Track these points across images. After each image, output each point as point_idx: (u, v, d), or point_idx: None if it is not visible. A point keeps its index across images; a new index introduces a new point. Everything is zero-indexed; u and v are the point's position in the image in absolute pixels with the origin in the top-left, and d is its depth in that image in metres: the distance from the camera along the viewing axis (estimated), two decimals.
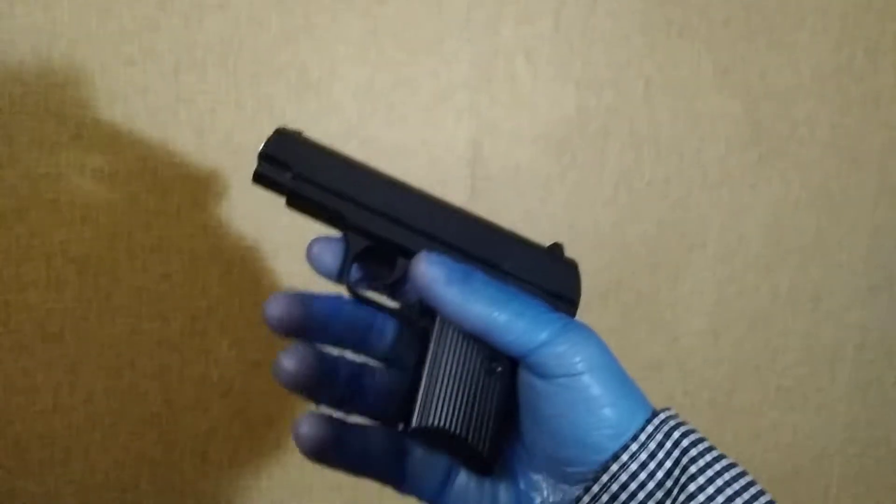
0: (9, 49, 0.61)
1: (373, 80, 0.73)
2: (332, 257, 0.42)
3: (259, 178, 0.42)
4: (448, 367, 0.39)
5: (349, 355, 0.44)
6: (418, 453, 0.43)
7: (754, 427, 1.06)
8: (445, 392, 0.38)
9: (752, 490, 0.36)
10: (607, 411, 0.36)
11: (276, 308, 0.41)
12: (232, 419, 0.74)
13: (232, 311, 0.72)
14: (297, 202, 0.42)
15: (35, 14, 0.62)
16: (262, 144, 0.42)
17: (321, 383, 0.40)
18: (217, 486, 0.75)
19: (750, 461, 1.05)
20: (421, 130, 0.76)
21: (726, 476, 0.36)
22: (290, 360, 0.40)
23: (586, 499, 0.36)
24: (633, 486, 0.35)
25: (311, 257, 0.43)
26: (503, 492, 0.40)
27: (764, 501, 0.35)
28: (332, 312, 0.42)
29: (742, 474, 0.36)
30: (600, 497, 0.35)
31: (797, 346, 1.05)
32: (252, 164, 0.69)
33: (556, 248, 0.43)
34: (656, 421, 0.37)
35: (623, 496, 0.35)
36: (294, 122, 0.70)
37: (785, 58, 0.94)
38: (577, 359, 0.36)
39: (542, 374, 0.37)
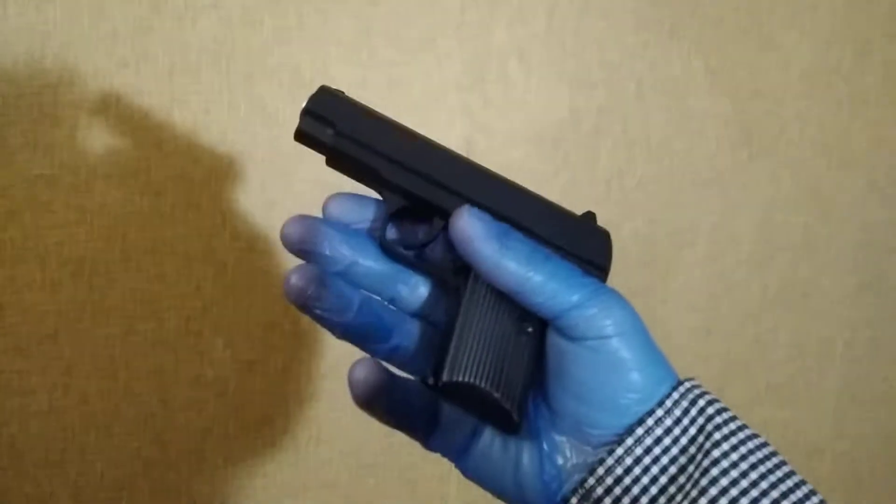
0: (2, 50, 0.61)
1: (365, 81, 0.74)
2: (349, 215, 0.42)
3: (301, 134, 0.42)
4: (479, 325, 0.39)
5: None
6: (447, 410, 0.43)
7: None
8: (476, 349, 0.39)
9: (775, 459, 0.36)
10: (635, 375, 0.37)
11: (295, 228, 0.42)
12: (227, 419, 0.74)
13: (226, 312, 0.72)
14: (338, 160, 0.42)
15: (28, 15, 0.62)
16: (307, 100, 0.42)
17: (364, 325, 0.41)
18: (213, 486, 0.75)
19: None
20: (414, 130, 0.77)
21: (750, 445, 0.36)
22: (304, 279, 0.41)
23: (610, 461, 0.36)
24: (657, 450, 0.36)
25: (327, 214, 0.43)
26: (526, 453, 0.40)
27: (786, 471, 0.36)
28: (360, 248, 0.42)
29: (765, 444, 0.37)
30: (624, 459, 0.36)
31: (787, 343, 1.06)
32: (246, 165, 0.70)
33: (589, 217, 0.43)
34: (682, 388, 0.38)
35: (647, 459, 0.36)
36: (287, 124, 0.71)
37: (774, 58, 0.95)
38: (608, 322, 0.37)
39: (572, 336, 0.37)
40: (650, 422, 0.36)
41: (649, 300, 0.95)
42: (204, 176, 0.69)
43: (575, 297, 0.37)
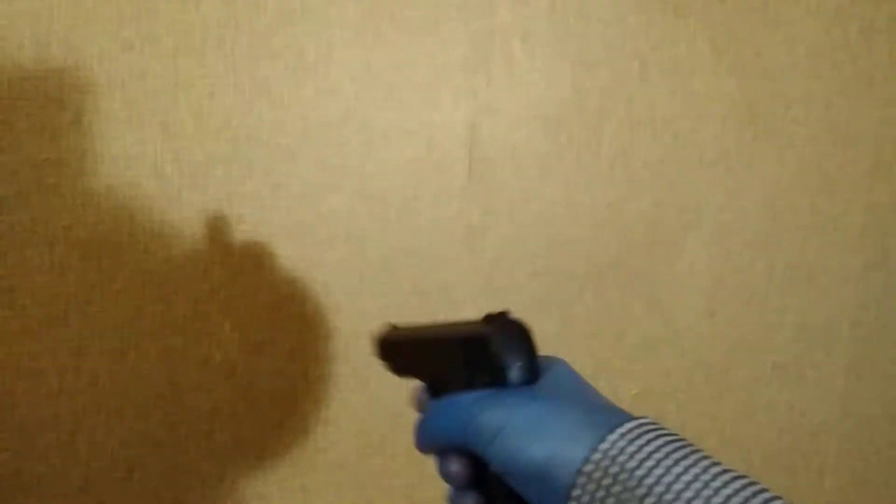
0: (7, 34, 0.61)
1: (370, 63, 0.74)
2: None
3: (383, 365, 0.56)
4: None
5: None
6: None
7: (750, 404, 1.07)
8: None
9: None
10: (534, 466, 0.36)
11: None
12: (236, 400, 0.75)
13: (234, 294, 0.73)
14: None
15: None
16: (374, 343, 0.56)
17: None
18: (222, 466, 0.76)
19: (746, 438, 1.06)
20: (418, 112, 0.77)
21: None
22: None
23: None
24: None
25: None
26: None
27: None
28: None
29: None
30: None
31: (793, 324, 1.06)
32: (251, 148, 0.70)
33: (487, 321, 0.42)
34: (596, 456, 0.35)
35: None
36: (292, 105, 0.71)
37: (780, 36, 0.94)
38: (482, 436, 0.39)
39: (481, 455, 0.40)
40: (575, 493, 0.35)
41: (655, 282, 0.95)
42: (209, 159, 0.69)
43: (455, 427, 0.41)
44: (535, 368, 0.41)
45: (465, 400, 0.41)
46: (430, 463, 0.85)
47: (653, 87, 0.88)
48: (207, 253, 0.71)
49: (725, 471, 0.33)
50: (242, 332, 0.74)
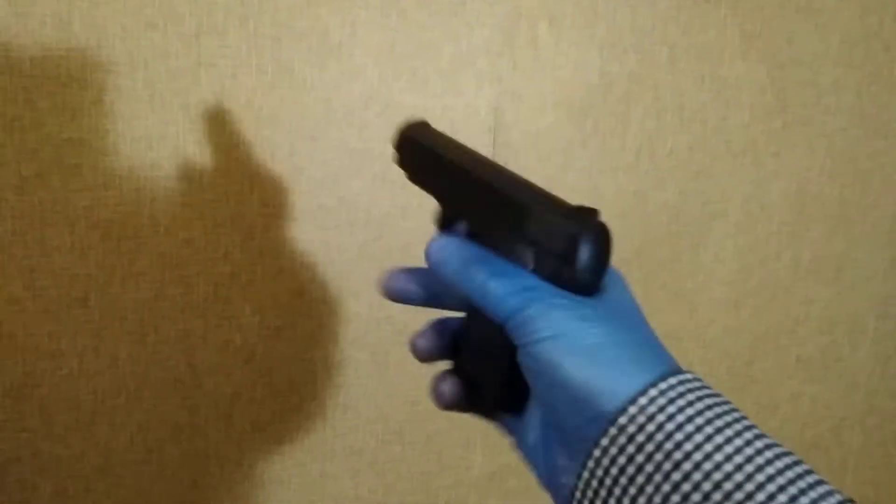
0: (29, 11, 0.60)
1: (394, 45, 0.73)
2: (407, 286, 0.47)
3: (396, 160, 0.51)
4: (476, 332, 0.43)
5: None
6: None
7: (773, 397, 1.05)
8: (470, 352, 0.44)
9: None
10: (570, 386, 0.34)
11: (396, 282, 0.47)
12: (255, 384, 0.75)
13: (254, 278, 0.72)
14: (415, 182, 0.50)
15: None
16: (395, 136, 0.51)
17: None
18: (240, 450, 0.76)
19: (769, 431, 1.04)
20: (442, 96, 0.76)
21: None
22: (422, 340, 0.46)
23: (585, 474, 0.34)
24: (620, 476, 0.33)
25: (386, 288, 0.48)
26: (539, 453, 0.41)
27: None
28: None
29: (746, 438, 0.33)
30: (595, 474, 0.33)
31: (818, 317, 1.05)
32: (273, 130, 0.69)
33: (584, 212, 0.40)
34: (633, 409, 0.33)
35: (613, 486, 0.33)
36: (315, 88, 0.70)
37: (812, 23, 0.92)
38: (542, 325, 0.36)
39: (517, 343, 0.37)
40: (604, 441, 0.33)
41: (679, 272, 0.94)
42: (231, 141, 0.68)
43: (512, 302, 0.37)
44: (602, 282, 0.39)
45: (532, 282, 0.38)
46: (448, 451, 0.85)
47: (681, 74, 0.86)
48: (228, 236, 0.70)
49: (769, 446, 0.31)
50: (262, 317, 0.73)
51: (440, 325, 0.46)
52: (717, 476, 0.30)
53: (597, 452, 0.33)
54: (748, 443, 0.31)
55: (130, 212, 0.66)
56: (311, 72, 0.70)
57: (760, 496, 0.29)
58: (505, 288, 0.38)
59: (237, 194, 0.70)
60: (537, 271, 0.39)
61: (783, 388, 1.06)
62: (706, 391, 0.33)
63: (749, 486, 0.30)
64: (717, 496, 0.30)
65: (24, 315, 0.65)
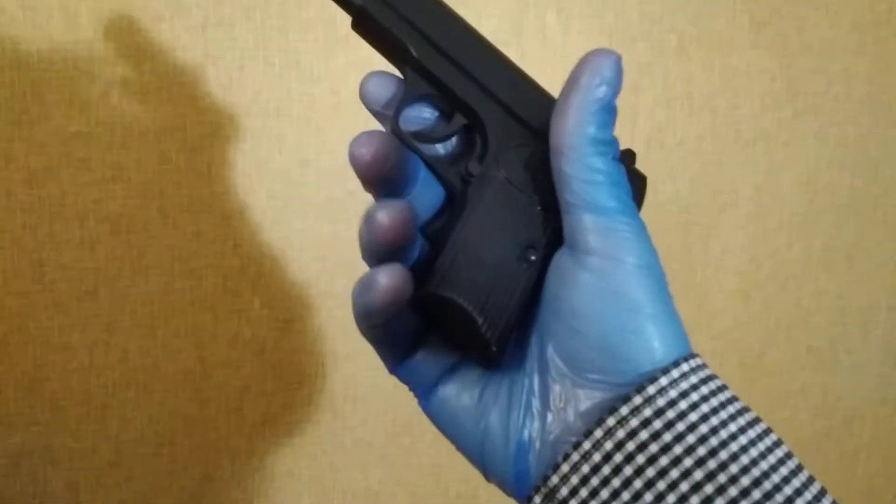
0: (36, 4, 0.60)
1: None
2: (388, 95, 0.37)
3: None
4: (477, 242, 0.35)
5: None
6: (429, 342, 0.38)
7: (784, 388, 1.05)
8: (469, 267, 0.34)
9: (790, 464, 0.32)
10: (648, 323, 0.31)
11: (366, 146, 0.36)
12: (265, 377, 0.75)
13: (263, 270, 0.72)
14: (365, 24, 0.37)
15: None
16: None
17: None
18: (251, 442, 0.76)
19: (780, 422, 1.04)
20: None
21: (760, 444, 0.31)
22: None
23: (611, 420, 0.30)
24: (671, 413, 0.30)
25: (364, 91, 0.38)
26: (495, 413, 0.35)
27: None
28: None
29: (777, 443, 0.32)
30: (628, 421, 0.30)
31: (829, 307, 1.04)
32: (281, 122, 0.69)
33: (628, 155, 0.38)
34: (693, 362, 0.31)
35: (657, 424, 0.29)
36: (323, 80, 0.70)
37: (823, 10, 0.91)
38: (631, 246, 0.32)
39: (586, 248, 0.32)
40: (664, 381, 0.30)
41: (689, 262, 0.93)
42: (239, 133, 0.68)
43: (611, 203, 0.32)
44: None
45: (625, 180, 0.35)
46: None
47: (690, 63, 0.86)
48: (237, 229, 0.70)
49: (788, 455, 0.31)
50: (272, 309, 0.73)
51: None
52: (744, 460, 0.29)
53: (611, 420, 0.30)
54: (760, 437, 0.31)
55: (139, 205, 0.66)
56: (319, 63, 0.70)
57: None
58: (614, 182, 0.33)
59: (246, 187, 0.70)
60: None
61: (794, 378, 1.05)
62: (719, 381, 0.32)
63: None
64: (734, 471, 0.29)
65: (34, 309, 0.65)
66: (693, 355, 0.32)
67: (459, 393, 0.37)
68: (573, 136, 0.33)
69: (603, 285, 0.32)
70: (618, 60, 0.34)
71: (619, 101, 0.80)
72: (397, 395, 0.81)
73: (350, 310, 0.77)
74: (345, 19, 0.70)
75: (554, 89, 0.79)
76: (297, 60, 0.69)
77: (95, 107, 0.63)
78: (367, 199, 0.75)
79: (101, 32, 0.62)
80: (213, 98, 0.67)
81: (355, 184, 0.73)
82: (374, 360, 0.79)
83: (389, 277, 0.33)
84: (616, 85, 0.35)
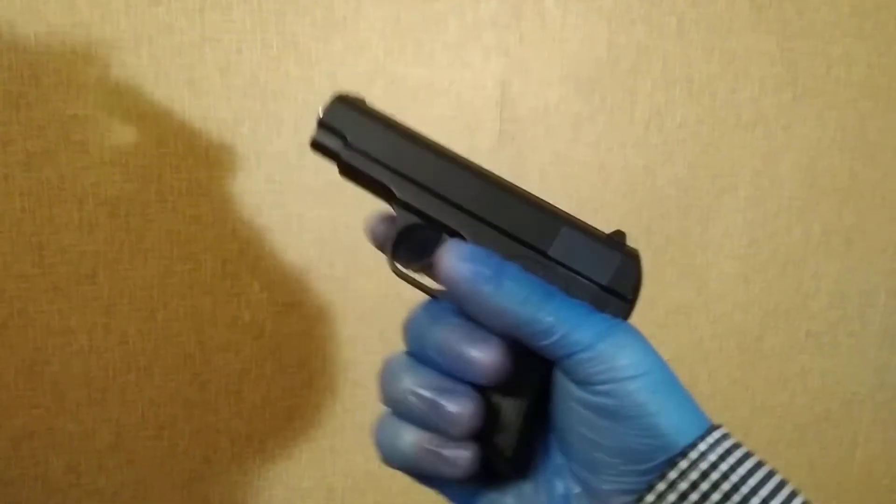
0: None
1: (399, 18, 0.72)
2: (387, 231, 0.41)
3: (315, 145, 0.41)
4: None
5: None
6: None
7: (783, 372, 1.05)
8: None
9: None
10: (655, 420, 0.32)
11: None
12: (264, 360, 0.75)
13: (262, 254, 0.72)
14: (349, 173, 0.40)
15: None
16: (321, 110, 0.40)
17: None
18: (250, 425, 0.76)
19: (777, 406, 1.05)
20: (448, 70, 0.75)
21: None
22: None
23: (662, 485, 0.32)
24: (705, 485, 0.32)
25: (369, 233, 0.42)
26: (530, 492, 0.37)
27: None
28: None
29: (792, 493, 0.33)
30: (677, 484, 0.32)
31: (829, 291, 1.04)
32: (279, 105, 0.69)
33: (618, 236, 0.38)
34: (710, 439, 0.33)
35: (704, 485, 0.32)
36: (320, 62, 0.70)
37: None
38: (622, 363, 0.32)
39: (582, 381, 0.33)
40: (672, 474, 0.32)
41: (688, 247, 0.93)
42: (237, 116, 0.68)
43: (584, 338, 0.33)
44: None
45: (586, 308, 0.34)
46: None
47: (690, 46, 0.85)
48: (236, 213, 0.70)
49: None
50: (271, 293, 0.73)
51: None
52: None
53: (661, 485, 0.32)
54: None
55: (137, 188, 0.66)
56: (316, 46, 0.70)
57: None
58: (569, 318, 0.33)
59: (244, 170, 0.69)
60: (572, 295, 0.35)
61: (793, 362, 1.05)
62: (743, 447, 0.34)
63: None
64: None
65: (34, 292, 0.66)
66: (714, 428, 0.34)
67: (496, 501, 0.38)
68: (506, 328, 0.34)
69: (607, 403, 0.33)
70: (448, 256, 0.35)
71: (619, 85, 0.80)
72: None
73: (349, 293, 0.77)
74: (341, 2, 0.70)
75: (551, 72, 0.79)
76: (294, 43, 0.69)
77: (93, 90, 0.63)
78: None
79: (99, 16, 0.62)
80: (211, 81, 0.67)
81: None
82: (373, 345, 0.80)
83: (471, 456, 0.34)
84: (466, 271, 0.34)
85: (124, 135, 0.65)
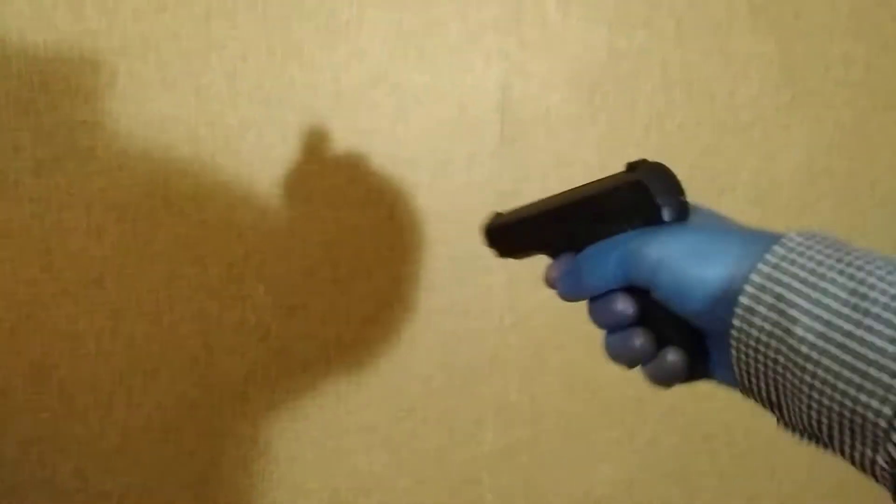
0: None
1: (401, 23, 0.73)
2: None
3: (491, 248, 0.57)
4: None
5: None
6: None
7: None
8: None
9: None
10: (700, 279, 0.38)
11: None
12: (269, 363, 0.76)
13: (267, 258, 0.73)
14: (508, 255, 0.56)
15: None
16: (483, 233, 0.57)
17: None
18: (256, 428, 0.77)
19: None
20: (450, 74, 0.76)
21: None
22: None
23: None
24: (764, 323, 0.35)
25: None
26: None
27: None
28: None
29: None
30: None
31: None
32: (283, 111, 0.70)
33: (630, 169, 0.44)
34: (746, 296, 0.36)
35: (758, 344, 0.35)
36: (324, 68, 0.71)
37: None
38: (645, 264, 0.40)
39: (649, 288, 0.41)
40: (738, 311, 0.36)
41: None
42: (242, 122, 0.69)
43: (616, 271, 0.42)
44: (685, 206, 0.42)
45: (624, 239, 0.42)
46: (460, 427, 0.86)
47: (689, 49, 0.86)
48: (241, 217, 0.71)
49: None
50: (276, 296, 0.74)
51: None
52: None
53: (736, 321, 0.36)
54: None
55: (145, 193, 0.67)
56: (320, 52, 0.70)
57: None
58: (606, 261, 0.43)
59: (249, 175, 0.70)
60: (631, 230, 0.42)
61: None
62: (823, 241, 0.36)
63: None
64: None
65: (42, 297, 0.66)
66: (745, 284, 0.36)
67: None
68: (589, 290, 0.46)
69: (667, 280, 0.40)
70: (547, 272, 0.49)
71: (619, 88, 0.81)
72: (400, 381, 0.82)
73: (353, 295, 0.78)
74: (344, 8, 0.70)
75: (552, 75, 0.80)
76: (298, 50, 0.69)
77: (101, 96, 0.64)
78: (370, 186, 0.76)
79: (106, 24, 0.63)
80: (217, 87, 0.67)
81: (356, 171, 0.74)
82: (377, 347, 0.81)
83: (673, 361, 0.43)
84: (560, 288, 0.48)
85: (132, 141, 0.66)
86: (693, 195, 0.92)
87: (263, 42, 0.68)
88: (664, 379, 0.43)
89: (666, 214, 0.41)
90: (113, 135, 0.65)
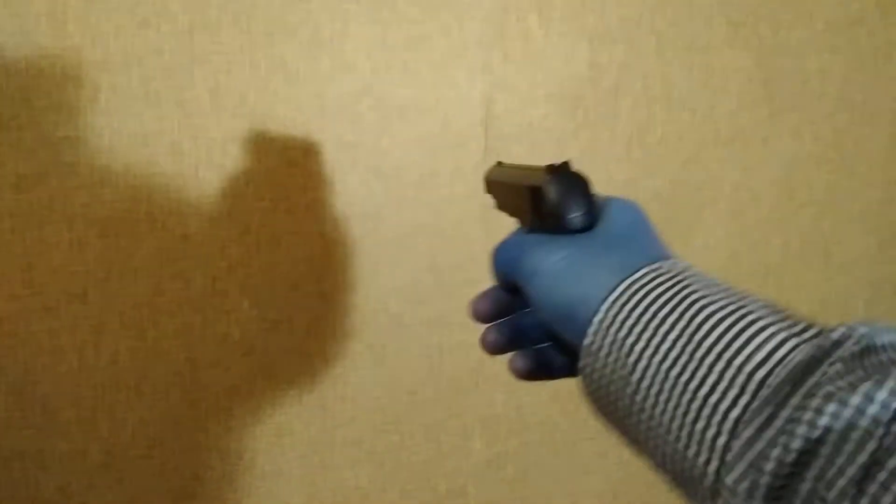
0: (24, 10, 0.61)
1: (385, 38, 0.73)
2: (488, 305, 0.51)
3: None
4: None
5: None
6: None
7: None
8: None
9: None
10: (562, 305, 0.38)
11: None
12: (254, 377, 0.75)
13: (252, 272, 0.73)
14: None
15: None
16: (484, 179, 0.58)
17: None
18: (241, 442, 0.77)
19: None
20: (434, 88, 0.76)
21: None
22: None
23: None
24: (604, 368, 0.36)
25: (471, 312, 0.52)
26: None
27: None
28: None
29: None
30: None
31: (808, 301, 1.06)
32: (267, 125, 0.70)
33: (547, 172, 0.43)
34: (596, 319, 0.36)
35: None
36: (307, 82, 0.71)
37: (797, 10, 0.93)
38: (525, 268, 0.41)
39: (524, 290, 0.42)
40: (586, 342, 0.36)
41: None
42: (226, 136, 0.69)
43: (512, 265, 0.43)
44: (591, 216, 0.42)
45: (518, 240, 0.43)
46: (447, 440, 0.86)
47: (669, 64, 0.87)
48: (225, 231, 0.71)
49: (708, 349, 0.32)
50: (260, 310, 0.74)
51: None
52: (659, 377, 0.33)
53: (581, 361, 0.36)
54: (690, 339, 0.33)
55: (127, 208, 0.67)
56: (304, 66, 0.71)
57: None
58: (505, 255, 0.44)
59: (233, 189, 0.70)
60: (539, 231, 0.43)
61: None
62: (667, 283, 0.36)
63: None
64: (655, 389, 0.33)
65: (24, 312, 0.66)
66: (588, 324, 0.37)
67: None
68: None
69: (543, 302, 0.40)
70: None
71: (601, 102, 0.81)
72: (385, 394, 0.82)
73: (337, 309, 0.78)
74: (328, 22, 0.71)
75: (535, 90, 0.80)
76: (282, 64, 0.70)
77: (83, 112, 0.64)
78: (354, 200, 0.76)
79: (89, 39, 0.63)
80: (200, 101, 0.67)
81: (340, 185, 0.74)
82: (362, 360, 0.81)
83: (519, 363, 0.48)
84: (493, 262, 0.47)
85: (114, 156, 0.66)
86: (674, 208, 0.93)
87: (247, 56, 0.68)
88: (515, 376, 0.47)
89: (568, 223, 0.41)
90: (95, 150, 0.65)
